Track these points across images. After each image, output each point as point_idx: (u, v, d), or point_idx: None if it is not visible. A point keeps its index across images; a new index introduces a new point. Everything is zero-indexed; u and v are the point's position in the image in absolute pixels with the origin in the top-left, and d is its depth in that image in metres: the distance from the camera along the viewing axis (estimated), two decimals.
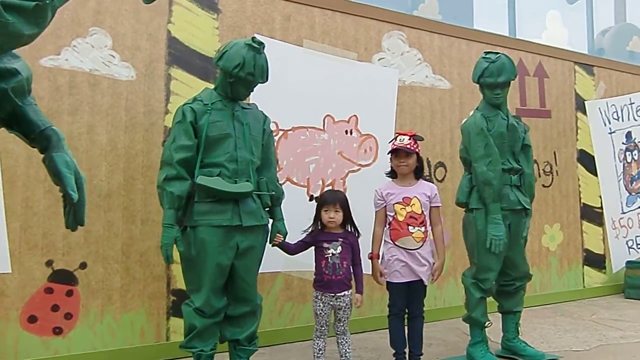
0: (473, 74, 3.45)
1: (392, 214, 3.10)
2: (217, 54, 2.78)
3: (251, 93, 3.04)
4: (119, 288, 3.24)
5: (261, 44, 2.75)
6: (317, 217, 3.01)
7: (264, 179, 2.84)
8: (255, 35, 3.53)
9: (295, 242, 2.99)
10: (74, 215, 1.62)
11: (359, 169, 4.03)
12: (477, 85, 3.47)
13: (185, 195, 2.59)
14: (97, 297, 3.18)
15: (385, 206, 3.13)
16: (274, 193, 2.87)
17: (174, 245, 2.57)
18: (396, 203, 3.10)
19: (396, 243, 3.06)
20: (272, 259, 3.26)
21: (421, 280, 3.07)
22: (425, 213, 3.12)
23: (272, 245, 2.92)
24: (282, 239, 2.91)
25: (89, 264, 3.16)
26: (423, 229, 3.08)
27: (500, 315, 3.55)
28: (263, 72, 2.78)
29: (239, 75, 2.68)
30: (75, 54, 3.18)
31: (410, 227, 3.05)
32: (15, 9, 1.12)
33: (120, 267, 3.25)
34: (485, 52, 3.46)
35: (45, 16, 1.20)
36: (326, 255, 2.91)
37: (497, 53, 3.39)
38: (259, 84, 2.84)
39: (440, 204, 3.23)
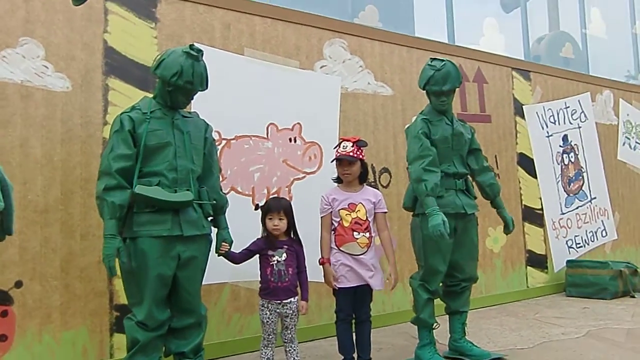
0: (419, 80, 3.58)
1: (337, 219, 3.23)
2: (155, 62, 2.84)
3: (192, 102, 3.14)
4: (58, 306, 3.24)
5: (199, 51, 2.82)
6: (263, 224, 3.09)
7: (205, 188, 2.90)
8: (195, 44, 3.65)
9: (240, 250, 3.08)
10: (1, 224, 1.64)
11: (304, 177, 4.18)
12: (419, 92, 3.66)
13: (126, 204, 2.62)
14: (34, 316, 3.16)
15: (331, 211, 3.26)
16: (215, 202, 2.93)
17: (117, 257, 2.60)
18: (341, 209, 3.22)
19: (341, 248, 3.19)
20: (219, 270, 3.35)
21: (367, 284, 3.20)
22: (369, 219, 3.25)
23: (218, 255, 2.99)
24: (228, 247, 2.99)
25: (25, 282, 3.15)
26: (367, 234, 3.22)
27: (447, 317, 3.72)
28: (202, 80, 2.85)
29: (177, 83, 2.74)
30: (4, 65, 3.17)
31: (355, 233, 3.19)
32: None
33: (59, 284, 3.25)
34: (430, 59, 3.56)
35: None
36: (271, 263, 3.00)
37: (443, 60, 3.49)
38: (200, 92, 2.91)
39: (385, 210, 3.37)
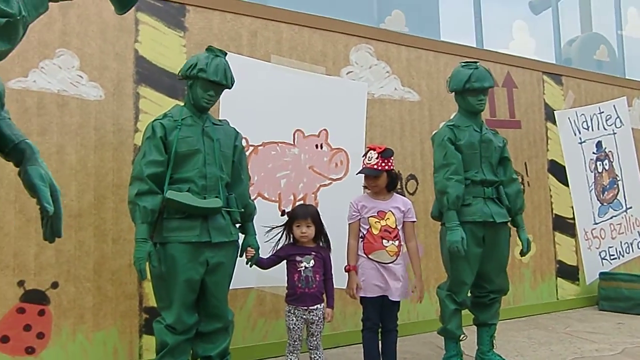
0: (453, 82, 3.67)
1: (366, 227, 3.34)
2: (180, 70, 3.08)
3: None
4: (91, 307, 3.51)
5: (221, 51, 3.04)
6: (289, 232, 3.27)
7: (233, 195, 3.08)
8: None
9: (268, 256, 3.26)
10: (50, 227, 1.76)
11: (330, 183, 4.33)
12: (446, 97, 3.80)
13: (157, 209, 2.80)
14: (69, 316, 3.43)
15: (360, 219, 3.38)
16: (243, 210, 3.12)
17: (147, 261, 2.79)
18: (371, 216, 3.34)
19: (370, 256, 3.31)
20: (245, 275, 3.54)
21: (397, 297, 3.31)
22: (399, 227, 3.37)
23: (247, 263, 3.17)
24: (254, 253, 3.17)
25: (60, 283, 3.42)
26: (397, 242, 3.33)
27: (475, 328, 3.79)
28: (218, 70, 2.96)
29: (191, 74, 2.94)
30: (43, 75, 3.47)
31: (384, 241, 3.30)
32: None
33: (92, 286, 3.52)
34: (462, 63, 3.73)
35: (17, 32, 1.31)
36: (299, 269, 3.16)
37: (475, 62, 3.69)
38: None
39: (414, 219, 3.48)
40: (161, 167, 2.87)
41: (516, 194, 3.74)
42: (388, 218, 3.36)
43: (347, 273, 3.39)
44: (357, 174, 3.49)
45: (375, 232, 3.32)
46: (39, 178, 1.73)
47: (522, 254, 3.80)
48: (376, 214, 3.35)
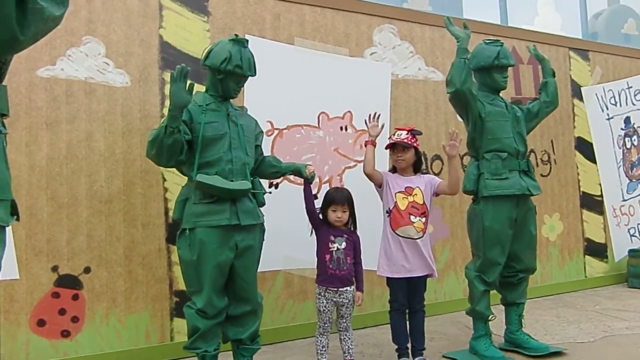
0: (480, 58, 3.58)
1: (393, 201, 3.25)
2: (203, 54, 2.99)
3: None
4: (122, 291, 3.50)
5: (245, 40, 2.97)
6: (323, 215, 3.19)
7: (257, 179, 3.04)
8: (246, 35, 3.81)
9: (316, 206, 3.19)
10: None
11: (355, 165, 4.26)
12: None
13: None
14: (101, 300, 3.43)
15: (383, 182, 3.30)
16: (269, 192, 3.09)
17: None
18: (398, 192, 3.25)
19: (396, 232, 3.21)
20: (272, 258, 3.51)
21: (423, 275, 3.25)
22: (427, 204, 3.27)
23: (308, 177, 3.15)
24: (313, 170, 3.17)
25: (92, 268, 3.42)
26: (424, 219, 3.23)
27: (502, 307, 3.71)
28: (250, 65, 2.95)
29: (227, 69, 2.87)
30: (70, 64, 3.42)
31: (411, 217, 3.21)
32: None
33: (123, 271, 3.50)
34: (485, 40, 3.66)
35: None
36: (331, 249, 3.09)
37: (497, 40, 3.66)
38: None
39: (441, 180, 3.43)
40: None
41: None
42: (416, 194, 3.28)
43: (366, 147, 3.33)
44: (385, 148, 3.38)
45: (403, 207, 3.23)
46: None
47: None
48: (404, 190, 3.27)
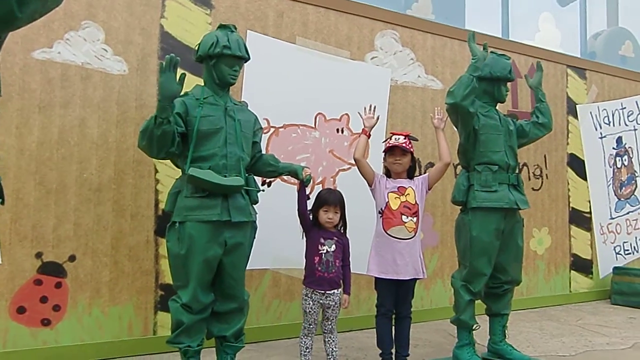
0: (496, 69, 3.51)
1: (385, 201, 3.19)
2: (194, 51, 2.94)
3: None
4: (107, 281, 3.38)
5: (232, 25, 2.92)
6: (314, 216, 3.10)
7: (252, 176, 2.95)
8: (248, 31, 3.71)
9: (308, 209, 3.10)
10: None
11: (350, 168, 4.16)
12: None
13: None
14: (85, 289, 3.31)
15: (376, 183, 3.24)
16: (263, 190, 2.99)
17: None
18: (390, 192, 3.19)
19: (388, 232, 3.14)
20: (261, 256, 3.41)
21: (410, 279, 3.17)
22: (419, 204, 3.22)
23: (303, 180, 3.06)
24: (309, 173, 3.09)
25: (78, 256, 3.29)
26: (415, 219, 3.18)
27: (487, 318, 3.66)
28: (239, 45, 2.86)
29: (215, 52, 2.79)
30: (67, 47, 3.30)
31: (403, 217, 3.15)
32: None
33: (109, 261, 3.38)
34: (493, 52, 3.61)
35: None
36: (320, 252, 3.01)
37: (507, 56, 3.65)
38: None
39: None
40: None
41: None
42: (408, 194, 3.22)
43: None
44: (383, 152, 3.31)
45: (394, 207, 3.17)
46: None
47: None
48: (396, 190, 3.22)
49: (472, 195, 3.44)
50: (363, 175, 3.28)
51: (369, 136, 3.28)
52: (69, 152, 3.30)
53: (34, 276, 3.18)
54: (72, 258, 3.28)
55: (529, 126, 3.73)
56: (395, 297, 3.22)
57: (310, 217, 3.11)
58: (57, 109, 3.27)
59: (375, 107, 3.33)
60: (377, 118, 3.30)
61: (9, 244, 3.11)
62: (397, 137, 3.25)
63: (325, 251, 3.03)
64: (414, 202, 3.21)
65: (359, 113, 3.35)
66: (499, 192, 3.41)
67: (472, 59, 3.35)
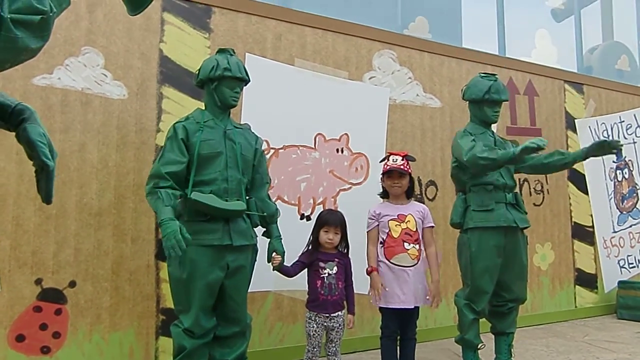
0: (473, 91, 3.55)
1: (386, 231, 3.17)
2: (194, 76, 2.96)
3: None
4: (108, 307, 3.32)
5: (231, 49, 2.95)
6: (315, 237, 3.08)
7: (253, 199, 2.93)
8: (247, 54, 3.71)
9: (293, 263, 3.05)
10: (45, 186, 1.66)
11: (350, 188, 4.14)
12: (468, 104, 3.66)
13: (178, 197, 2.63)
14: (86, 315, 3.25)
15: (378, 225, 3.22)
16: (265, 214, 2.96)
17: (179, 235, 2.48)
18: (391, 220, 3.18)
19: (391, 261, 3.13)
20: (263, 278, 3.35)
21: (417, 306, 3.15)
22: (419, 231, 3.21)
23: (274, 269, 2.96)
24: (280, 259, 2.94)
25: (78, 282, 3.24)
26: (417, 246, 3.16)
27: (492, 336, 3.62)
28: (239, 68, 2.89)
29: (217, 75, 2.81)
30: (68, 73, 3.29)
31: (405, 244, 3.13)
32: (23, 24, 1.20)
33: (109, 286, 3.33)
34: (481, 73, 3.64)
35: (49, 29, 1.29)
36: (322, 275, 2.98)
37: (494, 74, 3.62)
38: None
39: (433, 225, 3.32)
40: (180, 167, 2.72)
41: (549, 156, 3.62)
42: (409, 221, 3.21)
43: (368, 276, 3.20)
44: (382, 174, 3.30)
45: (396, 235, 3.16)
46: (38, 135, 1.64)
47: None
48: (396, 217, 3.20)
49: (469, 216, 3.45)
50: None
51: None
52: (69, 177, 3.27)
53: (34, 303, 3.12)
54: (72, 284, 3.23)
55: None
56: (400, 319, 3.19)
57: (310, 241, 3.10)
58: (57, 134, 3.24)
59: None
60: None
61: (8, 271, 3.07)
62: (394, 157, 3.23)
63: (327, 274, 3.00)
64: (414, 230, 3.19)
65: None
66: (495, 211, 3.39)
67: (522, 148, 3.21)
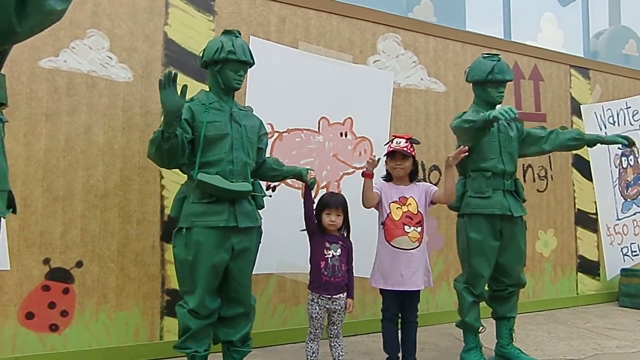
0: (476, 72, 3.58)
1: (387, 212, 3.22)
2: (199, 57, 3.00)
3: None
4: (114, 287, 3.45)
5: (236, 30, 2.99)
6: (317, 219, 3.14)
7: (258, 181, 3.01)
8: (251, 37, 3.80)
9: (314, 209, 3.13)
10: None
11: (354, 172, 4.24)
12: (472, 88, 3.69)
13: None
14: (92, 295, 3.39)
15: (380, 197, 3.25)
16: (270, 195, 3.06)
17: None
18: (392, 202, 3.22)
19: (391, 243, 3.17)
20: (266, 261, 3.46)
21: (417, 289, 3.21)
22: (422, 213, 3.23)
23: (309, 185, 3.09)
24: (314, 176, 3.12)
25: (85, 262, 3.37)
26: (419, 229, 3.19)
27: (494, 321, 3.70)
28: (244, 50, 2.93)
29: (221, 57, 2.85)
30: (73, 56, 3.39)
31: (406, 227, 3.17)
32: None
33: (115, 267, 3.46)
34: (484, 54, 3.66)
35: None
36: (326, 256, 3.05)
37: (497, 54, 3.63)
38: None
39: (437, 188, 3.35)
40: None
41: (565, 135, 3.66)
42: (410, 204, 3.24)
43: (363, 177, 3.22)
44: (384, 155, 3.32)
45: (397, 218, 3.20)
46: None
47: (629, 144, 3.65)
48: (397, 200, 3.24)
49: (465, 202, 3.52)
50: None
51: (372, 178, 3.22)
52: (75, 159, 3.39)
53: (42, 282, 3.26)
54: (79, 264, 3.36)
55: (539, 135, 3.67)
56: (401, 303, 3.25)
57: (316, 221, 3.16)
58: (63, 116, 3.35)
59: (379, 159, 3.22)
60: (378, 160, 3.20)
61: (17, 251, 3.19)
62: (398, 140, 3.26)
63: (331, 255, 3.06)
64: (415, 212, 3.22)
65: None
66: (492, 198, 3.45)
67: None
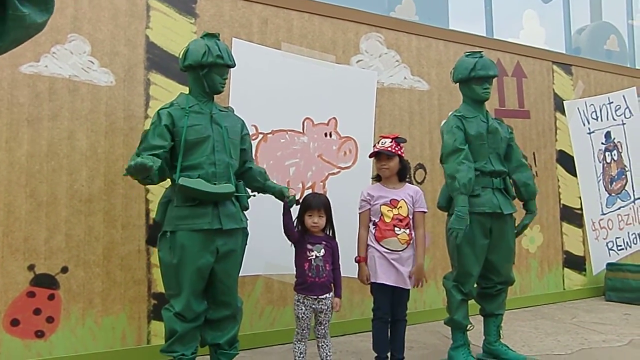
0: (459, 70, 3.63)
1: (378, 215, 3.29)
2: (180, 58, 3.02)
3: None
4: (100, 292, 3.49)
5: (217, 33, 3.04)
6: (300, 221, 3.19)
7: (242, 182, 3.05)
8: (234, 39, 3.85)
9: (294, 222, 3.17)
10: None
11: (339, 172, 4.29)
12: (455, 87, 3.73)
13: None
14: (78, 300, 3.42)
15: (370, 208, 3.32)
16: (254, 195, 3.09)
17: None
18: (383, 204, 3.29)
19: (381, 243, 3.25)
20: (253, 263, 3.50)
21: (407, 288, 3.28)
22: (410, 217, 3.32)
23: (289, 203, 3.09)
24: (294, 194, 3.16)
25: (70, 268, 3.40)
26: (408, 231, 3.28)
27: (481, 318, 3.76)
28: (229, 54, 3.00)
29: (209, 61, 2.89)
30: (54, 61, 3.42)
31: (396, 229, 3.25)
32: (28, 0, 1.25)
33: (101, 271, 3.49)
34: (466, 52, 3.72)
35: (53, 0, 1.33)
36: (310, 258, 3.09)
37: (479, 52, 3.69)
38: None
39: (425, 210, 3.40)
40: (159, 151, 2.79)
41: (526, 180, 3.70)
42: (401, 207, 3.31)
43: (357, 264, 3.35)
44: (370, 156, 3.41)
45: (388, 220, 3.27)
46: None
47: (516, 234, 3.75)
48: (389, 202, 3.30)
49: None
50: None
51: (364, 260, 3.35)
52: (58, 165, 3.42)
53: (27, 288, 3.28)
54: (64, 269, 3.39)
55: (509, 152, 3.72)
56: (391, 301, 3.31)
57: (297, 224, 3.19)
58: (45, 122, 3.38)
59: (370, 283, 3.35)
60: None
61: (1, 257, 3.22)
62: (383, 140, 3.32)
63: (314, 256, 3.11)
64: (405, 215, 3.30)
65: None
66: (482, 196, 3.47)
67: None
